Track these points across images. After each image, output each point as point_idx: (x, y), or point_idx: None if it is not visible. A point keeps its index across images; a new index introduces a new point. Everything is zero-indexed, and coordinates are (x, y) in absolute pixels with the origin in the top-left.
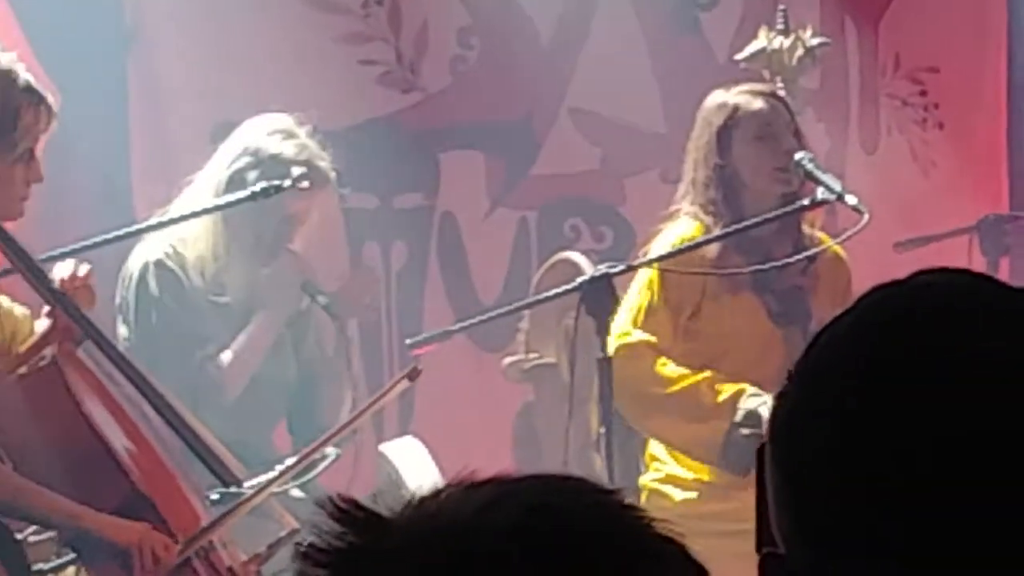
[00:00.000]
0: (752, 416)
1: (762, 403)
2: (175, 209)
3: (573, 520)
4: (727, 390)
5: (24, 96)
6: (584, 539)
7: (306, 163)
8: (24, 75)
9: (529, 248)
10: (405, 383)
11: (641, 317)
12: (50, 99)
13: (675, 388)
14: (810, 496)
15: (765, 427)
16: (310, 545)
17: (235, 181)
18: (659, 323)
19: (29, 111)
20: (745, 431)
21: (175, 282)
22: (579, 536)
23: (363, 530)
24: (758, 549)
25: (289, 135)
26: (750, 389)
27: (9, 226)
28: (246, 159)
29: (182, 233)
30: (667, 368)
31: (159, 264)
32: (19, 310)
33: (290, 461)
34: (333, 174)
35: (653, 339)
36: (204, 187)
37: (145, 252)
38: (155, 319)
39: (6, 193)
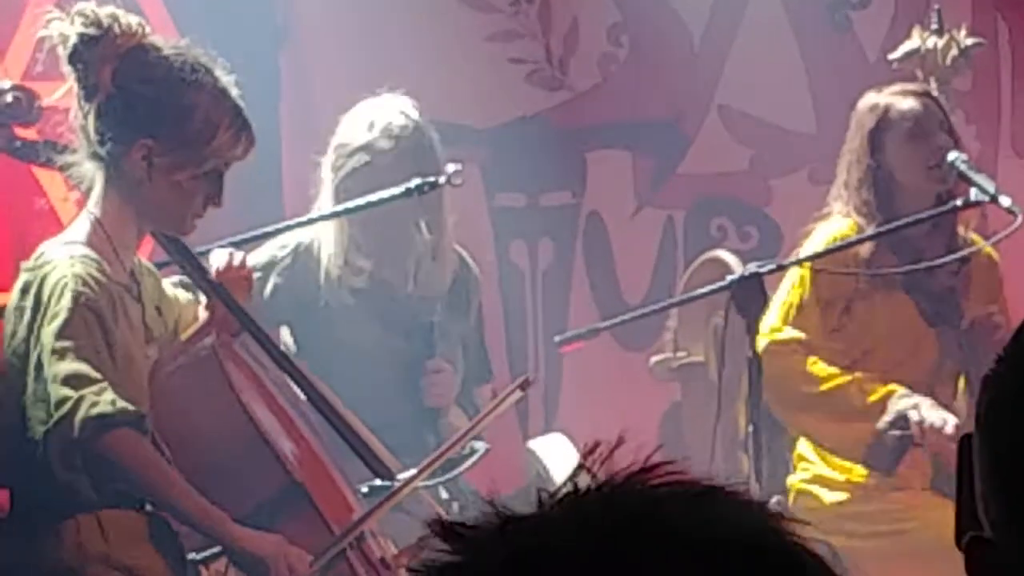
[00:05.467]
0: (901, 418)
1: (912, 405)
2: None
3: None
4: (878, 391)
5: (227, 115)
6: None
7: (385, 148)
8: (237, 100)
9: (675, 248)
10: (518, 393)
11: (792, 314)
12: (253, 130)
13: (825, 387)
14: None
15: (914, 428)
16: (415, 568)
17: (337, 170)
18: (809, 320)
19: (228, 131)
20: (895, 432)
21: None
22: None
23: (463, 549)
24: (957, 536)
25: (372, 120)
26: (900, 390)
27: None
28: (340, 150)
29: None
30: (817, 366)
31: (300, 250)
32: (183, 296)
33: (433, 456)
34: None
35: (803, 336)
36: (324, 181)
37: (278, 244)
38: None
39: (183, 206)
